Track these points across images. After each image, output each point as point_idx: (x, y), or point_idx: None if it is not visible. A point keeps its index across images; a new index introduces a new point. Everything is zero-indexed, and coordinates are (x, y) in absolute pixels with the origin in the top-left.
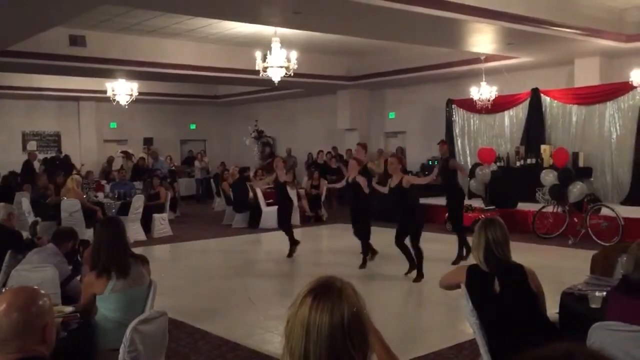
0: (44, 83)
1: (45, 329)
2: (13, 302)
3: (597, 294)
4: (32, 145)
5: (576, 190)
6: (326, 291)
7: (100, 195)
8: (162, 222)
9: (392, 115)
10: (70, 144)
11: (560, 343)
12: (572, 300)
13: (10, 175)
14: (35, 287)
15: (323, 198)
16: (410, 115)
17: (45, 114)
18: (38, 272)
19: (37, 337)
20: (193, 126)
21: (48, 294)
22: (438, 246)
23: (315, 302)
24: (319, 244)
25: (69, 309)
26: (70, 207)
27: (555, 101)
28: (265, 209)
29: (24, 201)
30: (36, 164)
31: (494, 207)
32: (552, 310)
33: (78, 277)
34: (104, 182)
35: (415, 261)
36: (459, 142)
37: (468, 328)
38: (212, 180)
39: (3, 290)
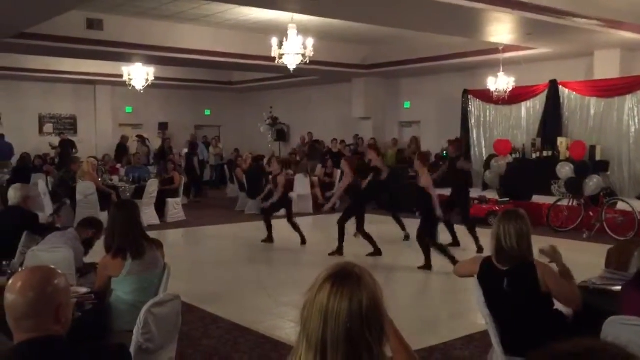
0: (60, 66)
1: (60, 308)
2: (28, 281)
3: (614, 288)
4: (48, 127)
5: (592, 183)
6: (345, 278)
7: (115, 178)
8: (175, 207)
9: (407, 104)
10: (85, 128)
11: (582, 339)
12: (586, 294)
13: (27, 157)
14: (52, 266)
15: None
16: (426, 105)
17: (61, 97)
18: (53, 252)
19: (52, 317)
20: (208, 112)
21: (65, 274)
22: (449, 237)
23: (334, 289)
24: (331, 232)
25: (83, 289)
26: (85, 189)
27: (574, 93)
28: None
29: (40, 183)
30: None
31: (508, 199)
32: None
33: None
34: (118, 165)
35: (430, 259)
36: (474, 133)
37: (479, 320)
38: (225, 166)
39: (20, 270)
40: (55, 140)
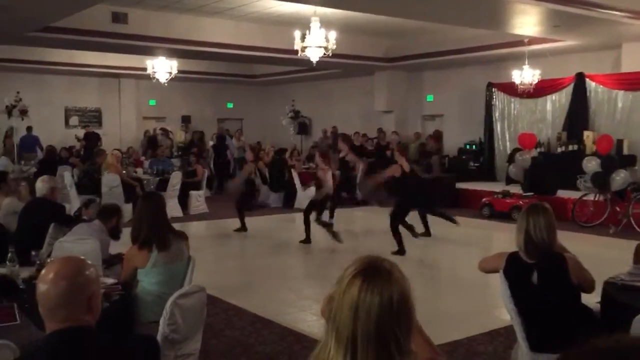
0: (86, 59)
1: (92, 298)
2: (60, 271)
3: None
4: (74, 120)
5: (619, 178)
6: (375, 273)
7: (139, 171)
8: (198, 199)
9: (430, 97)
10: (110, 120)
11: (623, 334)
12: (614, 290)
13: (53, 149)
14: (82, 257)
15: (358, 180)
16: (449, 98)
17: (86, 90)
18: (80, 244)
19: (83, 307)
20: (230, 105)
21: (94, 265)
22: (473, 231)
23: (365, 284)
24: (353, 225)
25: (110, 280)
26: (110, 182)
27: (601, 86)
28: (300, 190)
29: (66, 175)
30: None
31: (532, 193)
32: (593, 299)
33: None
34: (143, 158)
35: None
36: (498, 127)
37: (503, 315)
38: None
39: (49, 261)
40: (81, 133)
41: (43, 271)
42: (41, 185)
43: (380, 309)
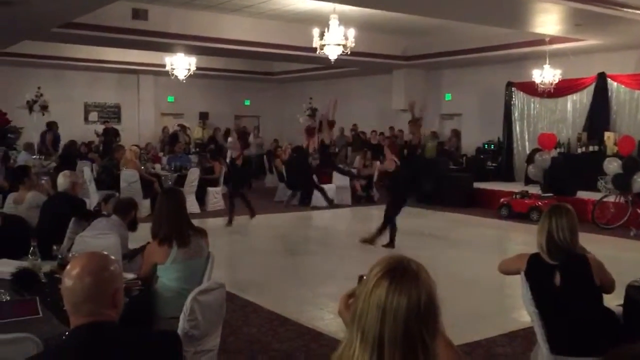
0: (105, 55)
1: (116, 294)
2: (86, 266)
3: None
4: (93, 116)
5: None
6: (403, 274)
7: (157, 167)
8: (216, 196)
9: (448, 96)
10: (129, 116)
11: (635, 344)
12: (637, 293)
13: (73, 145)
14: (105, 252)
15: (375, 178)
16: (467, 97)
17: (106, 86)
18: (101, 239)
19: (108, 302)
20: (247, 102)
21: (117, 260)
22: (491, 232)
23: (393, 285)
24: (370, 224)
25: (130, 275)
26: (129, 177)
27: (623, 86)
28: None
29: (86, 170)
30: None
31: (552, 194)
32: (615, 302)
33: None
34: (161, 154)
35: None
36: (517, 127)
37: (521, 316)
38: (264, 156)
39: (70, 256)
40: (100, 129)
41: (68, 266)
42: (62, 180)
43: (407, 311)
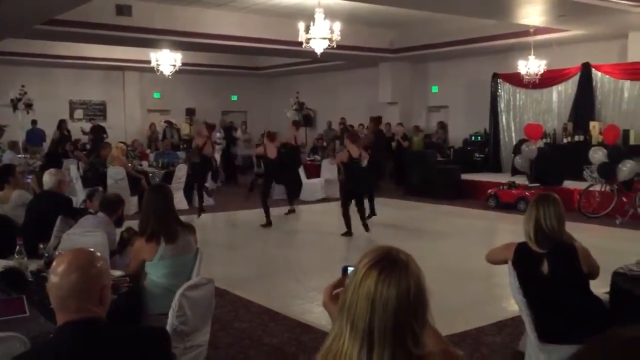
0: (90, 52)
1: (103, 290)
2: (73, 262)
3: None
4: (78, 113)
5: (626, 168)
6: (393, 264)
7: (145, 163)
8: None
9: (435, 89)
10: (115, 113)
11: (622, 329)
12: (624, 280)
13: (57, 142)
14: (92, 249)
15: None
16: (454, 89)
17: (91, 83)
18: (89, 236)
19: (95, 298)
20: (234, 97)
21: (104, 257)
22: (478, 222)
23: (382, 276)
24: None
25: (118, 273)
26: (116, 174)
27: (607, 76)
28: (305, 181)
29: (72, 168)
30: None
31: (538, 184)
32: (602, 290)
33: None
34: (148, 150)
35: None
36: (503, 118)
37: (510, 306)
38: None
39: (56, 254)
40: (86, 126)
41: (54, 262)
42: (49, 178)
43: (397, 301)
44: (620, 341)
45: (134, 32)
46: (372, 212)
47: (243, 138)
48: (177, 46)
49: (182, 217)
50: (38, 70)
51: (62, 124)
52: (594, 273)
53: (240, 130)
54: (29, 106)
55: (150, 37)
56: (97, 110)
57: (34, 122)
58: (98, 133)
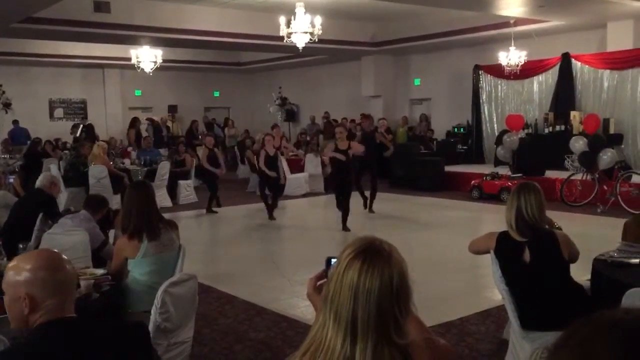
0: (69, 50)
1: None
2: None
3: (632, 261)
4: (59, 112)
5: (606, 157)
6: (376, 255)
7: (127, 161)
8: (187, 189)
9: (417, 81)
10: (95, 112)
11: (606, 311)
12: (604, 267)
13: (37, 143)
14: (56, 250)
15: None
16: (436, 81)
17: (71, 82)
18: (69, 235)
19: (71, 298)
20: (217, 93)
21: (78, 258)
22: (462, 214)
23: (365, 266)
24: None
25: (100, 271)
26: (97, 173)
27: (587, 66)
28: (290, 177)
29: (53, 168)
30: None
31: (521, 174)
32: (583, 277)
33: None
34: (130, 148)
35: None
36: (485, 109)
37: (494, 295)
38: (236, 147)
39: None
40: (69, 126)
41: (17, 261)
42: (42, 177)
43: (380, 291)
44: (603, 323)
45: (113, 28)
46: (370, 207)
47: (229, 134)
48: (157, 42)
49: (188, 214)
50: (16, 69)
51: (89, 129)
52: (574, 258)
53: (227, 127)
54: (7, 105)
55: (129, 34)
56: (77, 109)
57: (15, 122)
58: (91, 132)
